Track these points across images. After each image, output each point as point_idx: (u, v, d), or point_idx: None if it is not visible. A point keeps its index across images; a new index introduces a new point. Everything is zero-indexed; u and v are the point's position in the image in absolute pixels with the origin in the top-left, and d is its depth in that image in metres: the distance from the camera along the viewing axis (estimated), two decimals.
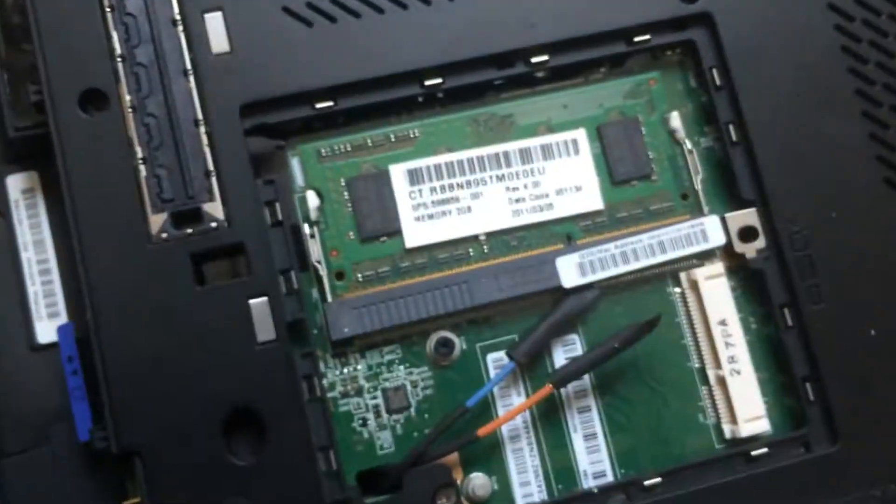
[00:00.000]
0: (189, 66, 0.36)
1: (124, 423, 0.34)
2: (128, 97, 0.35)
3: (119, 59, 0.36)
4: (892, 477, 0.37)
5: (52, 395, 0.37)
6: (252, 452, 0.34)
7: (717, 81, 0.39)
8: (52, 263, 0.38)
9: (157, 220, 0.35)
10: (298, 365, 0.35)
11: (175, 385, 0.34)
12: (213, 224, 0.35)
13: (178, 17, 0.36)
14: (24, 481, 0.36)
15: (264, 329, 0.35)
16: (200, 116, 0.36)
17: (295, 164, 0.38)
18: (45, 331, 0.38)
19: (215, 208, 0.35)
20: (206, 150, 0.36)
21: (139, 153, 0.35)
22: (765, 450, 0.37)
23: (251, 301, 0.35)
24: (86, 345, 0.35)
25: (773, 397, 0.39)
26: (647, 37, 0.39)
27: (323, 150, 0.38)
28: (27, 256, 0.38)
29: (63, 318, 0.38)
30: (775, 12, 0.40)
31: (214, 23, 0.36)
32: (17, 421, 0.37)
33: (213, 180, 0.36)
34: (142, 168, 0.35)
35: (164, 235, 0.35)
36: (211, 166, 0.36)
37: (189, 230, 0.35)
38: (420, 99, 0.39)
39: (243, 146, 0.36)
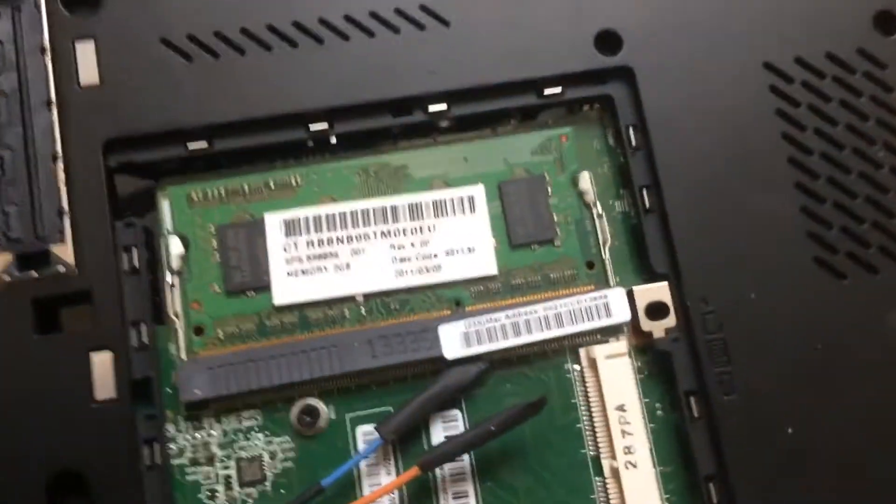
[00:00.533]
0: (53, 97, 0.34)
1: None
2: None
3: None
4: None
5: None
6: None
7: (634, 141, 0.36)
8: None
9: (0, 261, 0.33)
10: (142, 428, 0.32)
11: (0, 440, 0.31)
12: (62, 268, 0.33)
13: (47, 45, 0.34)
14: None
15: (104, 386, 0.32)
16: (59, 151, 0.33)
17: (164, 206, 0.35)
18: None
19: (65, 251, 0.33)
20: (62, 187, 0.33)
21: None
22: None
23: (92, 354, 0.32)
24: None
25: (677, 494, 0.34)
26: (559, 89, 0.36)
27: (194, 194, 0.35)
28: None
29: None
30: (704, 69, 0.37)
31: (85, 52, 0.34)
32: None
33: (66, 220, 0.33)
34: None
35: (7, 278, 0.32)
36: (65, 205, 0.33)
37: (34, 273, 0.32)
38: (310, 144, 0.36)
39: (103, 185, 0.33)
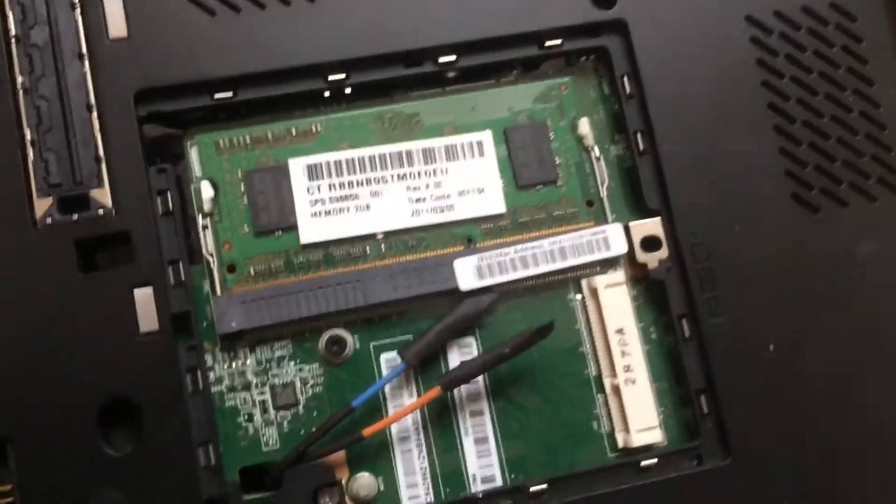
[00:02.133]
0: (84, 50, 0.35)
1: None
2: (20, 78, 0.35)
3: (13, 40, 0.35)
4: (782, 494, 0.37)
5: None
6: (129, 444, 0.34)
7: (628, 89, 0.39)
8: None
9: (42, 205, 0.34)
10: (183, 357, 0.35)
11: (52, 372, 0.33)
12: (101, 211, 0.35)
13: (76, 1, 0.36)
14: None
15: (148, 319, 0.34)
16: (93, 101, 0.35)
17: (193, 153, 0.37)
18: None
19: (103, 195, 0.35)
20: (98, 135, 0.35)
21: (28, 135, 0.35)
22: (655, 460, 0.37)
23: (136, 290, 0.34)
24: None
25: (669, 409, 0.38)
26: (558, 42, 0.39)
27: (221, 142, 0.37)
28: None
29: None
30: (691, 22, 0.40)
31: (113, 7, 0.36)
32: None
33: (103, 166, 0.35)
34: (30, 151, 0.35)
35: (49, 220, 0.34)
36: (101, 152, 0.35)
37: (75, 216, 0.34)
38: (326, 94, 0.38)
39: (136, 133, 0.35)
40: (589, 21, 0.39)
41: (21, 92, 0.35)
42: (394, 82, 0.39)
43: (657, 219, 0.38)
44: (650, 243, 0.38)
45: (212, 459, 0.34)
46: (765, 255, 0.38)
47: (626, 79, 0.39)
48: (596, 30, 0.39)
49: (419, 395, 0.37)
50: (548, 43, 0.39)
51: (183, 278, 0.35)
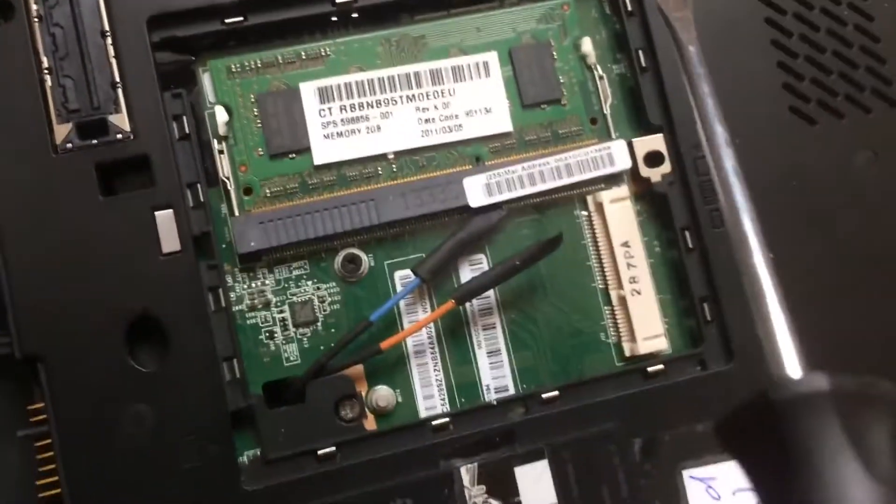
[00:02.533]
0: None
1: (27, 329, 0.34)
2: (34, 7, 0.35)
3: None
4: None
5: None
6: (156, 360, 0.35)
7: (629, 7, 0.40)
8: None
9: (62, 130, 0.35)
10: (204, 277, 0.36)
11: (79, 292, 0.34)
12: (119, 135, 0.35)
13: None
14: None
15: (169, 240, 0.35)
16: (107, 28, 0.36)
17: (206, 79, 0.38)
18: None
19: (121, 120, 0.36)
20: (113, 61, 0.36)
21: (45, 63, 0.35)
22: (661, 366, 0.38)
23: (157, 212, 0.35)
24: None
25: (674, 319, 0.40)
26: None
27: (233, 66, 0.38)
28: None
29: None
30: None
31: None
32: None
33: (119, 92, 0.36)
34: (47, 78, 0.35)
35: (69, 145, 0.35)
36: (117, 78, 0.36)
37: (94, 141, 0.35)
38: (333, 18, 0.39)
39: (150, 58, 0.36)
40: None
41: (36, 20, 0.35)
42: (400, 5, 0.39)
43: (659, 135, 0.40)
44: (653, 158, 0.39)
45: (237, 373, 0.36)
46: (765, 166, 0.39)
47: None
48: None
49: (433, 309, 0.38)
50: None
51: (202, 200, 0.36)
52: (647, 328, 0.38)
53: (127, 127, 0.36)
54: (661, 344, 0.39)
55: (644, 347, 0.38)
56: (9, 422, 0.36)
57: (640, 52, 0.40)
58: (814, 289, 0.39)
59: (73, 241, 0.35)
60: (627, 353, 0.39)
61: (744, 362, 0.38)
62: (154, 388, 0.35)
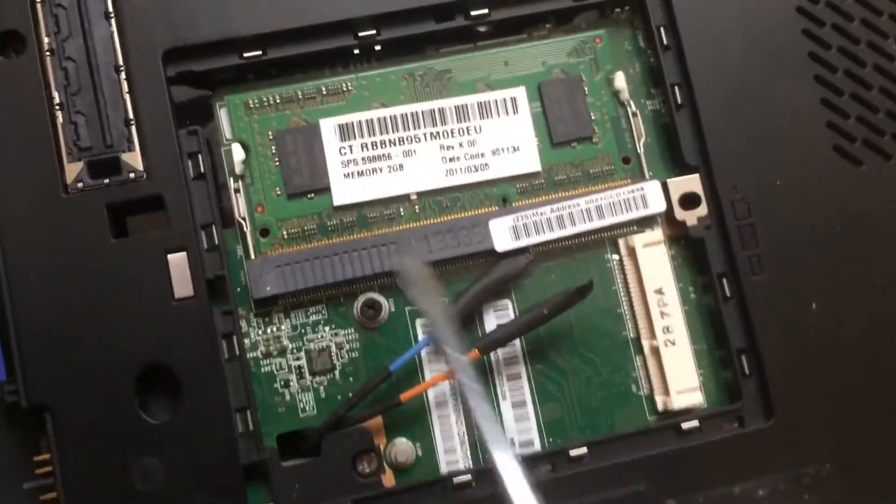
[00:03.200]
0: (111, 8, 0.35)
1: (35, 378, 0.33)
2: (46, 40, 0.34)
3: (38, 1, 0.34)
4: (826, 456, 0.36)
5: None
6: (166, 411, 0.34)
7: (665, 41, 0.38)
8: None
9: (73, 169, 0.34)
10: (218, 323, 0.34)
11: (88, 340, 0.33)
12: (132, 175, 0.34)
13: None
14: None
15: (182, 285, 0.34)
16: (121, 62, 0.34)
17: (222, 115, 0.37)
18: None
19: (134, 158, 0.34)
20: (127, 97, 0.34)
21: (56, 98, 0.34)
22: (696, 423, 0.36)
23: (169, 255, 0.34)
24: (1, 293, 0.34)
25: (709, 370, 0.38)
26: None
27: (251, 102, 0.36)
28: None
29: None
30: None
31: None
32: None
33: (133, 129, 0.34)
34: (59, 114, 0.34)
35: (80, 185, 0.34)
36: (131, 114, 0.34)
37: (106, 180, 0.34)
38: (355, 51, 0.37)
39: (165, 94, 0.35)
40: None
41: (48, 54, 0.34)
42: (425, 38, 0.38)
43: (696, 175, 0.38)
44: (689, 200, 0.38)
45: (250, 426, 0.34)
46: (807, 210, 0.37)
47: (662, 30, 0.38)
48: None
49: None
50: None
51: (216, 242, 0.35)
52: (682, 381, 0.36)
53: (140, 166, 0.34)
54: (697, 398, 0.36)
55: (678, 402, 0.36)
56: (15, 473, 0.34)
57: (676, 88, 0.38)
58: (858, 339, 0.37)
59: (83, 286, 0.33)
60: (660, 408, 0.37)
61: (785, 420, 0.36)
62: (164, 441, 0.33)
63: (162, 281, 0.34)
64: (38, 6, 0.34)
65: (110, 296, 0.33)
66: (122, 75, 0.34)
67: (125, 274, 0.34)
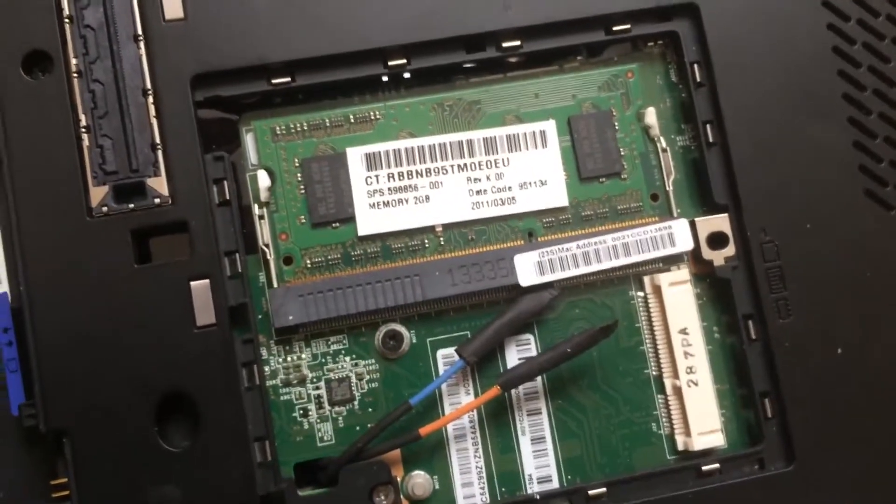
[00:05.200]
0: (140, 31, 0.34)
1: (54, 403, 0.33)
2: (74, 61, 0.34)
3: (67, 20, 0.34)
4: (847, 502, 0.36)
5: None
6: (185, 438, 0.33)
7: (698, 77, 0.37)
8: None
9: (98, 193, 0.34)
10: (239, 351, 0.34)
11: (109, 365, 0.33)
12: (157, 200, 0.34)
13: None
14: None
15: (204, 312, 0.34)
16: (149, 86, 0.34)
17: (248, 140, 0.36)
18: None
19: (160, 183, 0.34)
20: (154, 121, 0.34)
21: (83, 121, 0.34)
22: (717, 465, 0.36)
23: (192, 283, 0.34)
24: (23, 315, 0.34)
25: (730, 411, 0.37)
26: (627, 26, 0.37)
27: (278, 128, 0.36)
28: None
29: (5, 286, 0.37)
30: (765, 7, 0.38)
31: None
32: None
33: (160, 154, 0.34)
34: (85, 137, 0.34)
35: (105, 209, 0.33)
36: (158, 139, 0.34)
37: (131, 205, 0.34)
38: (384, 79, 0.37)
39: (193, 119, 0.34)
40: (659, 4, 0.37)
41: (75, 75, 0.34)
42: (454, 67, 0.37)
43: (724, 215, 0.37)
44: (716, 240, 0.37)
45: (268, 455, 0.34)
46: (836, 254, 0.37)
47: (696, 66, 0.37)
48: (667, 14, 0.38)
49: (476, 392, 0.36)
50: (616, 27, 0.37)
51: (240, 269, 0.34)
52: (703, 423, 0.36)
53: (165, 191, 0.34)
54: (718, 440, 0.36)
55: (699, 443, 0.36)
56: (32, 495, 0.34)
57: (708, 126, 0.37)
58: (884, 386, 0.36)
59: (105, 311, 0.33)
60: (680, 447, 0.36)
61: (806, 465, 0.36)
62: (182, 469, 0.33)
63: (184, 308, 0.33)
64: (67, 26, 0.34)
65: (132, 322, 0.33)
66: (150, 99, 0.34)
67: (147, 300, 0.33)
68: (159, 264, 0.34)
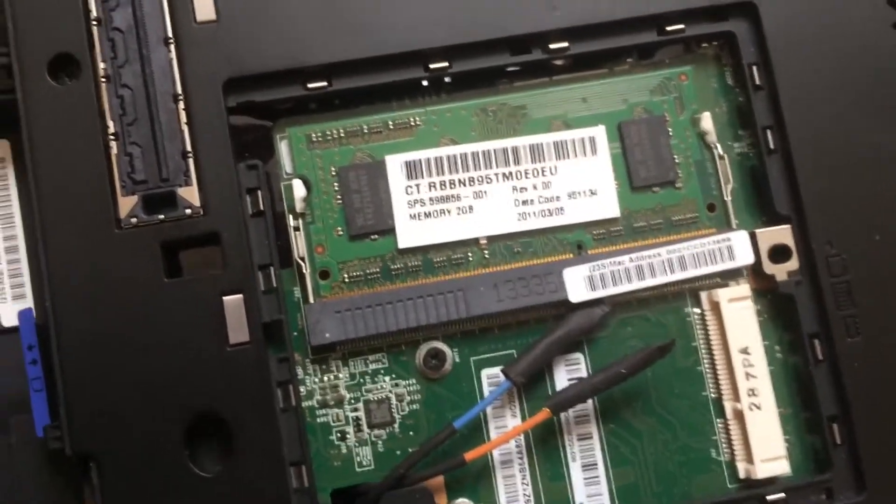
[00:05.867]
0: (170, 34, 0.33)
1: (80, 425, 0.31)
2: (102, 65, 0.32)
3: (94, 23, 0.32)
4: None
5: (15, 383, 0.34)
6: (217, 463, 0.32)
7: (757, 80, 0.35)
8: (21, 241, 0.36)
9: (127, 203, 0.32)
10: (273, 370, 0.32)
11: (137, 385, 0.31)
12: (188, 210, 0.32)
13: None
14: None
15: (238, 329, 0.32)
16: (180, 91, 0.33)
17: (283, 148, 0.35)
18: (9, 313, 0.35)
19: (191, 193, 0.32)
20: (185, 128, 0.32)
21: (111, 128, 0.32)
22: (782, 494, 0.34)
23: (225, 298, 0.32)
24: (48, 332, 0.32)
25: (794, 435, 0.35)
26: (681, 26, 0.35)
27: (314, 135, 0.34)
28: None
29: (30, 301, 0.35)
30: (827, 6, 0.36)
31: None
32: None
33: (191, 162, 0.32)
34: (113, 145, 0.32)
35: (134, 220, 0.32)
36: (189, 147, 0.32)
37: (161, 216, 0.32)
38: (424, 83, 0.35)
39: (225, 126, 0.33)
40: (715, 3, 0.35)
41: (103, 80, 0.32)
42: (498, 71, 0.35)
43: (787, 226, 0.35)
44: (779, 253, 0.35)
45: (304, 481, 0.32)
46: None
47: (754, 68, 0.35)
48: (723, 13, 0.36)
49: (523, 414, 0.34)
50: (669, 28, 0.35)
51: (274, 284, 0.33)
52: (767, 449, 0.34)
53: (197, 201, 0.32)
54: (783, 467, 0.34)
55: (762, 471, 0.34)
56: None
57: (768, 132, 0.35)
58: None
59: (133, 327, 0.31)
60: (742, 475, 0.34)
61: (878, 494, 0.33)
62: (214, 495, 0.31)
63: (216, 325, 0.32)
64: (95, 29, 0.32)
65: (162, 339, 0.31)
66: (181, 105, 0.32)
67: (178, 316, 0.32)
68: (190, 279, 0.32)
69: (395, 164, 0.34)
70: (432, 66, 0.34)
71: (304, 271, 0.34)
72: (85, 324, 0.31)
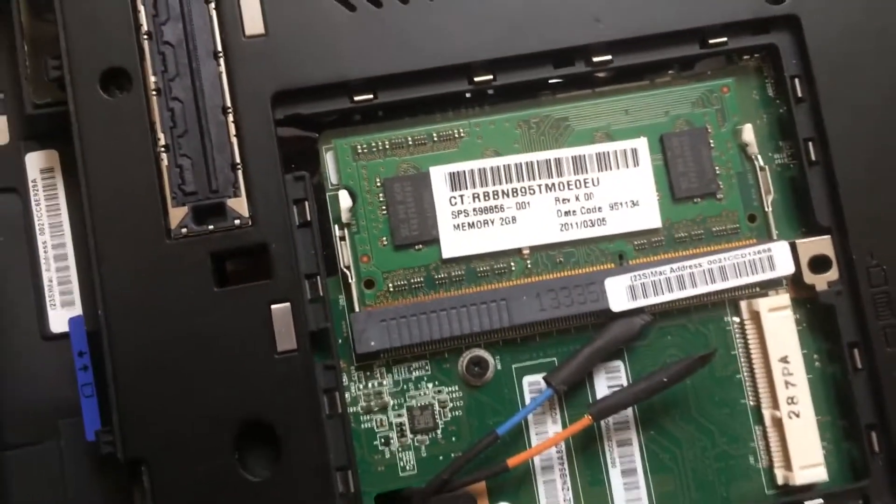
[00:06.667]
0: (219, 47, 0.33)
1: (132, 430, 0.32)
2: (153, 78, 0.33)
3: (145, 37, 0.33)
4: None
5: (64, 388, 0.35)
6: (265, 468, 0.32)
7: (799, 92, 0.35)
8: (69, 249, 0.36)
9: (177, 214, 0.33)
10: (320, 378, 0.33)
11: (188, 392, 0.32)
12: (237, 221, 0.33)
13: None
14: (27, 475, 0.34)
15: (285, 337, 0.32)
16: (229, 104, 0.33)
17: (329, 159, 0.35)
18: (59, 320, 0.36)
19: (240, 204, 0.33)
20: (234, 140, 0.33)
21: (162, 140, 0.33)
22: (820, 501, 0.34)
23: (273, 306, 0.32)
24: (98, 339, 0.33)
25: (832, 443, 0.35)
26: (723, 39, 0.35)
27: (359, 147, 0.35)
28: (43, 240, 0.36)
29: (78, 308, 0.36)
30: (870, 18, 0.36)
31: (249, 2, 0.34)
32: (25, 412, 0.35)
33: (240, 174, 0.33)
34: (164, 156, 0.33)
35: (184, 231, 0.32)
36: (238, 158, 0.33)
37: (211, 227, 0.33)
38: (468, 95, 0.35)
39: (273, 138, 0.33)
40: (757, 16, 0.35)
41: (154, 93, 0.33)
42: (541, 83, 0.36)
43: (827, 237, 0.35)
44: (819, 263, 0.35)
45: (350, 486, 0.33)
46: None
47: (796, 80, 0.36)
48: (765, 26, 0.36)
49: (563, 421, 0.35)
50: (712, 41, 0.35)
51: (321, 293, 0.33)
52: (805, 456, 0.34)
53: (246, 212, 0.33)
54: (821, 475, 0.34)
55: (800, 478, 0.34)
56: None
57: (810, 144, 0.35)
58: None
59: (184, 336, 0.32)
60: (780, 482, 0.35)
61: None
62: (263, 499, 0.32)
63: (264, 333, 0.32)
64: (146, 43, 0.33)
65: (211, 347, 0.32)
66: (230, 117, 0.33)
67: (227, 325, 0.32)
68: (239, 288, 0.33)
69: (439, 176, 0.35)
70: (477, 79, 0.35)
71: (350, 280, 0.34)
72: (137, 332, 0.32)
